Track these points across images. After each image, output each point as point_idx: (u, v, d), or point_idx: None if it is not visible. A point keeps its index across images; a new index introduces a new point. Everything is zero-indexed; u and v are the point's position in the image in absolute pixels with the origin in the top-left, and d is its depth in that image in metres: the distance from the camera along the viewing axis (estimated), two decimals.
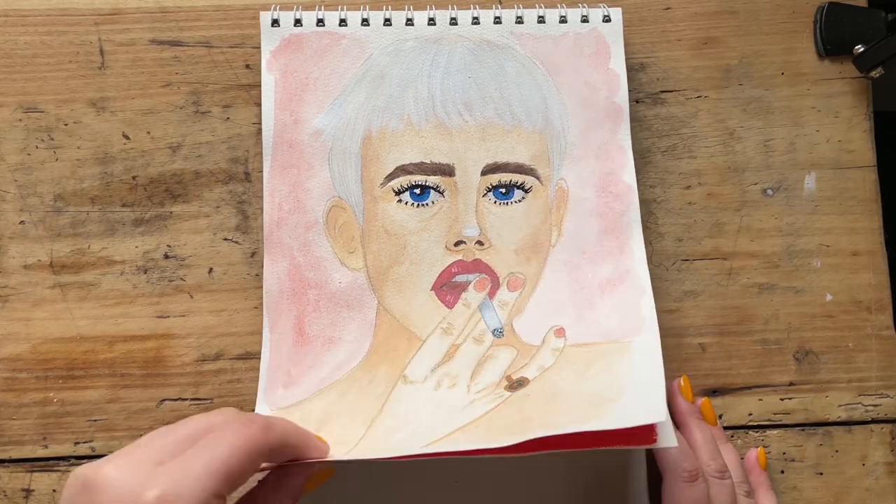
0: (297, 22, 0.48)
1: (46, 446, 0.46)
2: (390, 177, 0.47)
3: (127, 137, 0.48)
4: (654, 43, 0.50)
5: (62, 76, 0.48)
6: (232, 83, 0.49)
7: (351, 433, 0.43)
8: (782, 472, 0.48)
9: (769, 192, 0.50)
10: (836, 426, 0.48)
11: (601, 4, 0.49)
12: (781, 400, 0.48)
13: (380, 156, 0.47)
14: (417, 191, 0.47)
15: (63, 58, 0.48)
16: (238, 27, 0.49)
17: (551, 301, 0.46)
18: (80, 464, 0.36)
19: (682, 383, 0.46)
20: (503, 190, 0.47)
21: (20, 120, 0.48)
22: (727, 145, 0.50)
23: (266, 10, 0.48)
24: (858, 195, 0.50)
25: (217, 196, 0.48)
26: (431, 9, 0.48)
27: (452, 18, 0.48)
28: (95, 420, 0.46)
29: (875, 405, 0.49)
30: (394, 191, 0.47)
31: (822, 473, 0.48)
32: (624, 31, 0.49)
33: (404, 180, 0.47)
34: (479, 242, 0.47)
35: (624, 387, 0.41)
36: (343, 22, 0.48)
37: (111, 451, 0.35)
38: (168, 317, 0.47)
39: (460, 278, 0.47)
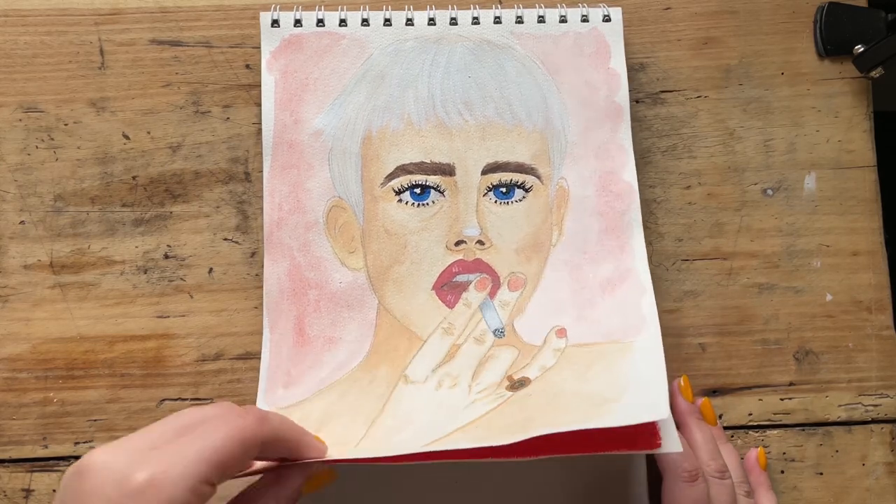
0: (297, 22, 0.48)
1: (46, 446, 0.46)
2: (390, 176, 0.47)
3: (127, 137, 0.48)
4: (654, 43, 0.50)
5: (62, 76, 0.48)
6: (232, 83, 0.49)
7: (351, 433, 0.42)
8: (782, 472, 0.48)
9: (769, 192, 0.50)
10: (836, 426, 0.48)
11: (601, 4, 0.49)
12: (781, 400, 0.48)
13: (380, 156, 0.47)
14: (418, 190, 0.47)
15: (63, 58, 0.48)
16: (238, 27, 0.49)
17: (552, 301, 0.46)
18: None
19: (682, 383, 0.46)
20: (504, 189, 0.47)
21: (20, 120, 0.48)
22: (727, 145, 0.50)
23: (266, 11, 0.48)
24: (858, 195, 0.50)
25: (217, 196, 0.48)
26: (431, 9, 0.48)
27: (452, 18, 0.48)
28: (95, 420, 0.46)
29: (875, 405, 0.49)
30: (394, 190, 0.47)
31: (822, 473, 0.48)
32: (624, 30, 0.49)
33: (404, 180, 0.47)
34: (480, 242, 0.47)
35: (626, 386, 0.41)
36: (343, 22, 0.48)
37: None
38: (168, 317, 0.47)
39: (461, 278, 0.47)
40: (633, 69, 0.50)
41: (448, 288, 0.47)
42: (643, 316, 0.44)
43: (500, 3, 0.50)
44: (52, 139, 0.48)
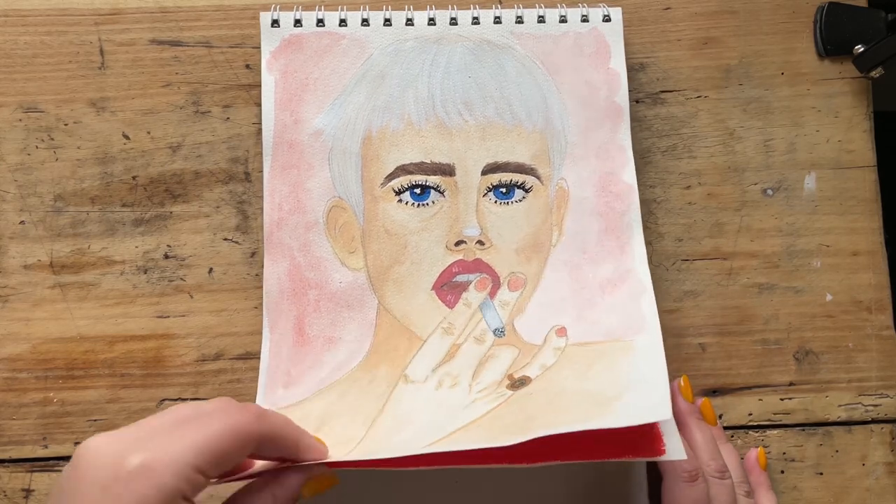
0: (297, 22, 0.48)
1: (46, 446, 0.46)
2: (391, 177, 0.47)
3: (127, 137, 0.48)
4: (654, 43, 0.50)
5: (62, 76, 0.48)
6: (232, 83, 0.49)
7: (351, 433, 0.42)
8: (782, 472, 0.48)
9: (769, 192, 0.50)
10: (836, 426, 0.48)
11: (601, 4, 0.49)
12: (781, 400, 0.48)
13: (380, 156, 0.47)
14: (418, 190, 0.47)
15: (63, 58, 0.48)
16: (238, 27, 0.49)
17: (552, 301, 0.46)
18: None
19: (682, 383, 0.46)
20: (504, 189, 0.47)
21: (20, 120, 0.48)
22: (727, 145, 0.50)
23: (266, 11, 0.48)
24: (858, 195, 0.50)
25: (217, 196, 0.48)
26: (431, 9, 0.48)
27: (452, 18, 0.48)
28: (95, 420, 0.46)
29: (875, 405, 0.49)
30: (394, 191, 0.47)
31: (822, 473, 0.48)
32: (624, 30, 0.49)
33: (404, 180, 0.47)
34: (480, 242, 0.47)
35: (627, 385, 0.41)
36: (343, 22, 0.48)
37: None
38: (168, 317, 0.47)
39: (461, 278, 0.47)
40: (633, 69, 0.50)
41: (448, 288, 0.47)
42: (643, 316, 0.44)
43: (500, 3, 0.50)
44: (52, 139, 0.48)
